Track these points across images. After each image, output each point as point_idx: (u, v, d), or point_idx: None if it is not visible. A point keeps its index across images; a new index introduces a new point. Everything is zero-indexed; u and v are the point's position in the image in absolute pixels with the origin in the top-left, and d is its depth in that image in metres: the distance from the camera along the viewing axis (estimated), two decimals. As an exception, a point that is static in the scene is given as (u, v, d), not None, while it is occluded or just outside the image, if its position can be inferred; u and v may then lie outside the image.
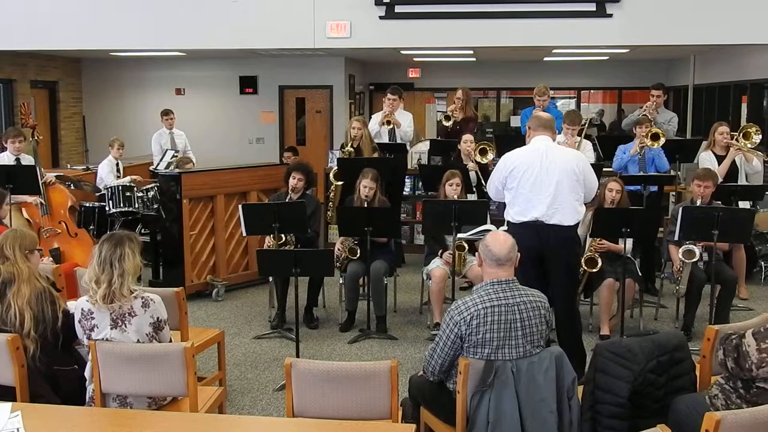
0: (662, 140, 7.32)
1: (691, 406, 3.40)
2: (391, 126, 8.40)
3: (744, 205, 7.10)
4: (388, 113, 8.40)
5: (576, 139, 7.21)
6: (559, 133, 6.92)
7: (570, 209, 5.08)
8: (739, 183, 7.33)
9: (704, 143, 8.07)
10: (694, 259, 5.93)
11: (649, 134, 7.36)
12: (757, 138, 7.29)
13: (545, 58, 14.33)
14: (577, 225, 5.27)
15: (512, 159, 5.22)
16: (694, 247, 5.92)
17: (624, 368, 3.54)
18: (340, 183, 7.72)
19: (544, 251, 5.08)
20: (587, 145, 7.53)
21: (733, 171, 7.38)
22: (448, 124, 8.58)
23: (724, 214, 5.59)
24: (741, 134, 7.32)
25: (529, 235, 4.98)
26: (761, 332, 3.24)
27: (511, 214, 5.21)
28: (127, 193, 7.74)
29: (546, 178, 5.05)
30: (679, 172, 7.86)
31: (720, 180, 7.13)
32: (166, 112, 10.41)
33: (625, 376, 3.52)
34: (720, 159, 7.39)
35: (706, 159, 7.44)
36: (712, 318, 5.80)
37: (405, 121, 8.50)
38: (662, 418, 3.44)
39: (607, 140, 9.43)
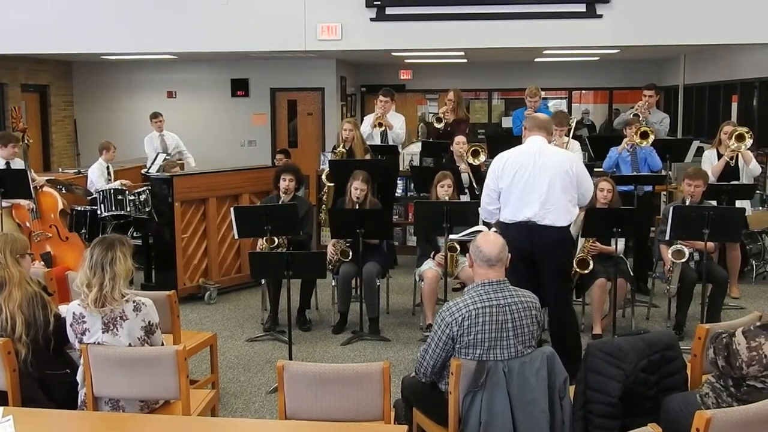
0: (651, 138, 7.28)
1: (682, 404, 3.41)
2: (383, 128, 8.41)
3: (743, 204, 7.06)
4: (380, 115, 8.39)
5: (564, 139, 7.20)
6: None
7: (563, 210, 5.02)
8: (739, 183, 7.27)
9: (694, 143, 8.09)
10: (684, 259, 5.95)
11: (638, 132, 7.34)
12: (749, 141, 7.22)
13: (536, 59, 14.37)
14: (569, 226, 5.27)
15: (504, 158, 5.16)
16: (684, 247, 5.94)
17: (615, 367, 3.55)
18: (331, 185, 7.71)
19: (535, 252, 5.04)
20: (575, 145, 7.53)
21: (734, 171, 7.31)
22: (440, 125, 8.59)
23: (715, 214, 5.60)
24: (733, 136, 7.25)
25: (521, 235, 4.95)
26: (751, 330, 3.26)
27: (504, 215, 5.15)
28: (119, 197, 7.70)
29: (539, 178, 4.99)
30: (669, 172, 7.86)
31: (713, 179, 7.12)
32: (155, 115, 10.42)
33: (616, 376, 3.53)
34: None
35: (706, 157, 7.45)
36: (704, 317, 5.83)
37: (397, 122, 8.50)
38: (654, 416, 3.45)
39: (598, 141, 9.45)
